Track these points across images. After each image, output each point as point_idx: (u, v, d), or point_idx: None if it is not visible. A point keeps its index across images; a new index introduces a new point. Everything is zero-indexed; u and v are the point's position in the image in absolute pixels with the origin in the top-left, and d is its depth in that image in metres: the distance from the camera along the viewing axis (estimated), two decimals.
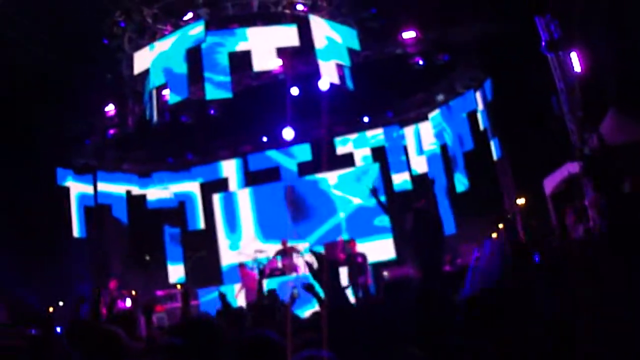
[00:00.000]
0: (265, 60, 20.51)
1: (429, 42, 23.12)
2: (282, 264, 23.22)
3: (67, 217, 25.95)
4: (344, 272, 19.70)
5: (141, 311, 9.62)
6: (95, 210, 27.37)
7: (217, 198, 30.52)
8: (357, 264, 19.51)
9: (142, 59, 21.23)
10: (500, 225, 22.19)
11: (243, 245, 27.81)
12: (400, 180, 28.17)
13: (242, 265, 23.52)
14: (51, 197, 25.13)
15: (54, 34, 22.51)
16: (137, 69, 21.33)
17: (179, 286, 27.83)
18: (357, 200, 28.30)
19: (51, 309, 25.00)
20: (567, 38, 17.09)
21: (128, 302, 21.86)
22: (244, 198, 30.16)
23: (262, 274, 19.74)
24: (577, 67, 17.10)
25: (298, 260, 23.18)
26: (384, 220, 26.68)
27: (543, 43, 17.22)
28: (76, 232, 25.87)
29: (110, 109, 24.90)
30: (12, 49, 22.58)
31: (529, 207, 22.74)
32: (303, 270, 22.07)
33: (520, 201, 23.21)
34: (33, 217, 23.43)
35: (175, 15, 21.06)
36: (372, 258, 23.18)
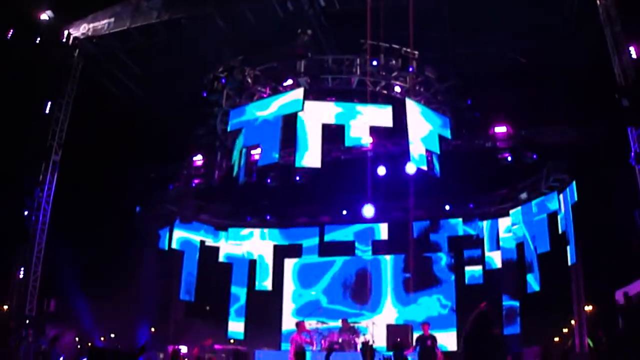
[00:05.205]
0: (358, 137, 20.72)
1: (520, 139, 23.12)
2: (342, 339, 23.19)
3: (142, 259, 26.57)
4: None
5: None
6: (168, 254, 28.00)
7: (289, 263, 30.84)
8: (427, 346, 19.20)
9: (238, 117, 21.70)
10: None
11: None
12: (473, 273, 28.00)
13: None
14: (129, 239, 25.76)
15: (153, 76, 23.46)
16: (232, 126, 21.79)
17: (232, 341, 28.05)
18: None
19: (102, 339, 25.59)
20: None
21: None
22: (317, 268, 30.52)
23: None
24: None
25: (358, 339, 23.13)
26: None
27: (632, 154, 16.97)
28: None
29: (198, 159, 25.46)
30: (111, 86, 23.60)
31: (597, 316, 22.36)
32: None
33: (588, 308, 22.84)
34: (111, 256, 24.07)
35: (275, 79, 21.57)
36: None
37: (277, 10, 20.48)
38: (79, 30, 23.20)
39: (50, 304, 21.72)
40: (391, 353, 19.51)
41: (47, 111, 22.64)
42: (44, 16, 22.37)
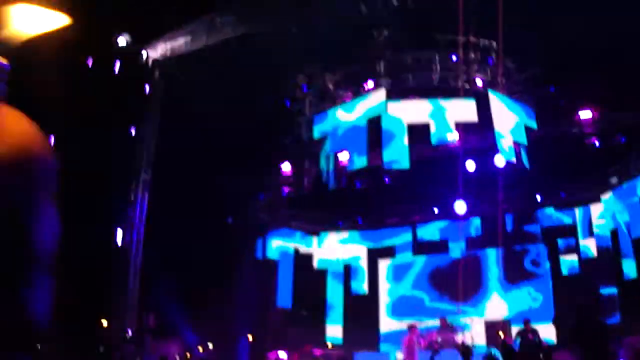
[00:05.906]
0: (444, 133, 20.60)
1: (606, 123, 22.66)
2: (441, 337, 23.07)
3: (238, 269, 26.89)
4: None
5: None
6: (264, 263, 28.34)
7: (383, 264, 30.80)
8: (529, 339, 18.92)
9: (323, 123, 21.80)
10: None
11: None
12: (569, 263, 27.41)
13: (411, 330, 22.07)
14: (223, 250, 26.15)
15: (233, 89, 23.81)
16: (317, 132, 21.89)
17: (330, 345, 28.14)
18: None
19: (200, 349, 26.03)
20: None
21: None
22: (411, 267, 30.36)
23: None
24: None
25: (457, 337, 22.98)
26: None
27: None
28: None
29: (286, 168, 25.68)
30: (194, 103, 24.02)
31: None
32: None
33: None
34: (206, 268, 24.44)
35: (356, 82, 21.62)
36: None
37: (352, 13, 20.57)
38: (157, 51, 23.60)
39: (149, 318, 22.16)
40: (493, 350, 19.38)
41: (133, 133, 23.14)
42: (122, 40, 22.82)
